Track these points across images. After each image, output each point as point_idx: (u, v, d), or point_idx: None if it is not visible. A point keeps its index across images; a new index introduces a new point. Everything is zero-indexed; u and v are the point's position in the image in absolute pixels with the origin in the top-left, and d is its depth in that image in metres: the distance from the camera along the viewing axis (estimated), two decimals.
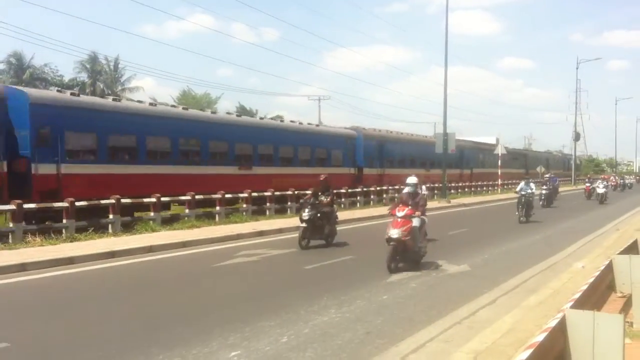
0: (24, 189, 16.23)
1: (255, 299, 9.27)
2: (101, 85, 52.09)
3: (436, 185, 35.64)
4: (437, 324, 7.73)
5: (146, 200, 18.24)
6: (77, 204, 15.86)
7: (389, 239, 11.34)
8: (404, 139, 39.51)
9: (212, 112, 27.82)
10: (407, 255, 11.64)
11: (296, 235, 14.92)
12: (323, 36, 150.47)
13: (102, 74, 54.57)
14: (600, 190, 35.79)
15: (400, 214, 11.71)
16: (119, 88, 52.63)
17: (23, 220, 14.76)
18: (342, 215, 17.28)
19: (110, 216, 16.90)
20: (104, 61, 54.02)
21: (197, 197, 19.77)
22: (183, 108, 25.14)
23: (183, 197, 19.54)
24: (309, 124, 32.62)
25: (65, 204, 15.62)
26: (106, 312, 8.51)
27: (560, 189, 41.66)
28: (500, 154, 44.23)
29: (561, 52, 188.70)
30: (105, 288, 10.33)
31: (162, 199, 18.54)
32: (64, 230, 15.49)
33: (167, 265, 12.82)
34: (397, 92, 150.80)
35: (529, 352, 3.93)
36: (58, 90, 19.72)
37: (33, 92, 18.53)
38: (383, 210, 21.92)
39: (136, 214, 18.92)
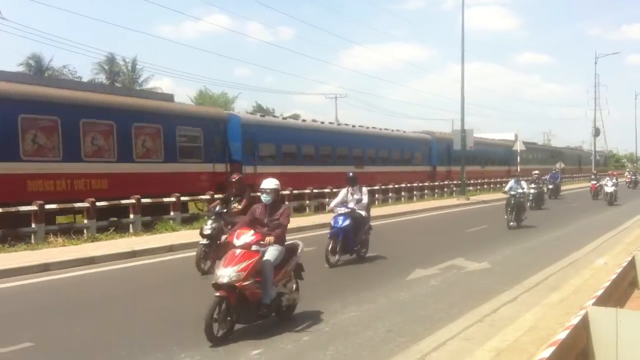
0: None
1: None
2: (119, 86, 52.42)
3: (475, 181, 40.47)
4: (458, 322, 7.71)
5: (166, 199, 18.35)
6: (97, 204, 16.00)
7: (215, 285, 7.04)
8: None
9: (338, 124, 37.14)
10: (248, 310, 7.15)
11: (315, 233, 14.82)
12: (339, 34, 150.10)
13: (120, 75, 54.97)
14: (609, 188, 30.47)
15: (239, 241, 7.31)
16: (137, 89, 52.94)
17: (44, 221, 14.94)
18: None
19: (131, 216, 17.04)
20: (121, 62, 54.44)
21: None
22: (321, 122, 32.57)
23: (203, 197, 19.63)
24: (392, 130, 37.64)
25: (86, 204, 15.76)
26: (128, 312, 8.59)
27: (575, 186, 41.02)
28: (519, 150, 43.86)
29: (579, 46, 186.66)
30: (126, 287, 10.42)
31: (182, 198, 18.65)
32: (85, 230, 15.64)
33: (187, 264, 12.87)
34: (414, 90, 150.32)
35: (551, 349, 3.92)
36: (251, 113, 31.54)
37: (242, 115, 26.42)
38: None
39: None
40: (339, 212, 12.51)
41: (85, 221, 15.87)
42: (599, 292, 5.89)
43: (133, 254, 13.16)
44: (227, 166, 22.37)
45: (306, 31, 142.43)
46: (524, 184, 20.46)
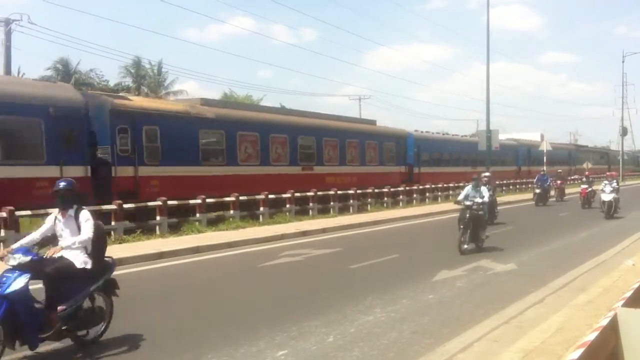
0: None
1: (300, 299, 9.35)
2: (145, 89, 52.94)
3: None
4: (485, 324, 7.66)
5: (192, 202, 18.50)
6: (125, 206, 16.18)
7: None
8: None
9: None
10: None
11: (339, 234, 14.83)
12: (363, 35, 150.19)
13: (146, 78, 55.50)
14: (607, 196, 22.73)
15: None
16: (163, 92, 53.38)
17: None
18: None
19: (158, 218, 17.21)
20: (147, 65, 54.95)
21: (241, 198, 19.98)
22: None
23: (228, 199, 19.76)
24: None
25: (113, 207, 15.95)
26: (155, 313, 8.68)
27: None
28: (545, 150, 43.47)
29: (605, 45, 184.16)
30: (153, 289, 10.54)
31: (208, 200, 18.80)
32: (112, 233, 15.82)
33: (214, 265, 13.01)
34: (438, 90, 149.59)
35: (580, 351, 3.88)
36: (415, 131, 36.16)
37: (414, 133, 34.83)
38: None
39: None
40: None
41: (113, 223, 16.01)
42: (628, 294, 5.80)
43: (160, 255, 13.28)
44: (406, 168, 32.62)
45: (330, 33, 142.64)
46: (485, 190, 15.20)
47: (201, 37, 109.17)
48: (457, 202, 15.07)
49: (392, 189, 28.61)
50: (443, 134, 41.88)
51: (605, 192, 22.86)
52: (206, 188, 19.41)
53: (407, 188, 30.34)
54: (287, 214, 21.80)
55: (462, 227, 13.75)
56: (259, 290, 10.27)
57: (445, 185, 33.77)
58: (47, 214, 7.33)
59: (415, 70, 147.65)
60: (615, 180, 24.11)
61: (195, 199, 18.44)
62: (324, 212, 23.87)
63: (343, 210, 24.77)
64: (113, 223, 16.00)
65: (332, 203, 24.53)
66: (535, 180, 32.02)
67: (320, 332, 7.34)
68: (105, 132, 17.56)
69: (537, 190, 30.61)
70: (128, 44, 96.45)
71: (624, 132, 67.05)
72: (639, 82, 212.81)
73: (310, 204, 23.37)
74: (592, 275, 10.87)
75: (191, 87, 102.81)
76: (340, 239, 17.02)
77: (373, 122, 32.87)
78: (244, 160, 22.15)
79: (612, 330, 4.53)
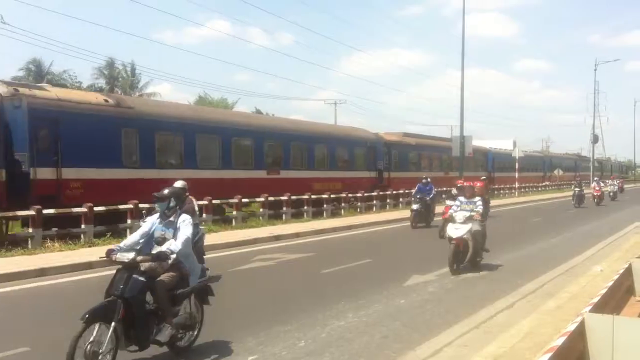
0: None
1: (271, 304, 9.29)
2: (119, 91, 52.46)
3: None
4: (455, 329, 7.69)
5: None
6: (95, 209, 15.93)
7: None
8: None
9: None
10: None
11: (312, 239, 14.84)
12: (339, 40, 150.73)
13: (119, 79, 55.01)
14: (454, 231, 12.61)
15: None
16: (136, 93, 52.94)
17: (41, 225, 14.85)
18: None
19: (128, 221, 17.00)
20: (120, 67, 54.48)
21: (214, 201, 19.81)
22: None
23: (200, 202, 19.57)
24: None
25: (84, 209, 15.71)
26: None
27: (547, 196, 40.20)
28: (517, 157, 44.04)
29: (579, 53, 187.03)
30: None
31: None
32: (82, 236, 15.57)
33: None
34: (413, 96, 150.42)
35: (548, 355, 3.91)
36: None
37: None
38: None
39: None
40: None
41: (83, 226, 15.77)
42: (596, 299, 5.87)
43: None
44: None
45: (307, 37, 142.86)
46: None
47: (178, 39, 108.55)
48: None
49: (365, 194, 28.60)
50: (416, 137, 39.27)
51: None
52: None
53: (381, 193, 30.35)
54: (260, 218, 21.71)
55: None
56: (230, 295, 10.16)
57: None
58: None
59: (391, 75, 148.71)
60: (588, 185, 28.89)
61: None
62: (297, 216, 23.82)
63: (317, 215, 24.75)
64: (83, 226, 15.76)
65: (305, 207, 24.50)
66: (414, 192, 22.49)
67: (291, 337, 7.30)
68: (381, 156, 18.61)
69: (415, 207, 21.56)
70: (102, 46, 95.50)
71: (595, 139, 68.06)
72: (610, 90, 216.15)
73: (284, 209, 23.30)
74: (561, 281, 11.00)
75: (165, 90, 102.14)
76: (313, 243, 16.99)
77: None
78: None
79: (579, 335, 4.58)
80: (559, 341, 4.30)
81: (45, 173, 15.74)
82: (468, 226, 11.86)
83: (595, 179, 41.14)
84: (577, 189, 34.32)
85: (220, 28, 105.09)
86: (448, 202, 17.28)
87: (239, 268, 12.51)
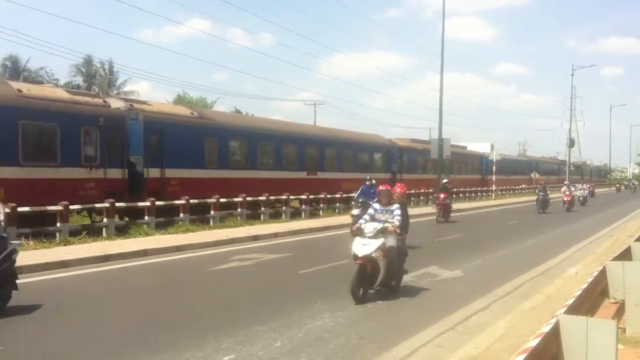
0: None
1: (249, 304, 9.26)
2: (96, 89, 51.95)
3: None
4: (431, 329, 7.72)
5: (140, 204, 18.20)
6: (71, 207, 15.78)
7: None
8: None
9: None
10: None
11: (290, 239, 14.80)
12: (320, 42, 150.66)
13: (96, 77, 54.48)
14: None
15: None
16: (114, 92, 52.46)
17: (16, 224, 14.67)
18: None
19: (105, 220, 16.86)
20: (98, 64, 53.97)
21: (192, 201, 19.74)
22: None
23: (177, 202, 19.49)
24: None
25: (59, 208, 15.53)
26: (98, 316, 8.47)
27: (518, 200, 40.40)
28: (494, 160, 44.46)
29: (556, 58, 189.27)
30: (98, 292, 10.29)
31: (157, 203, 18.51)
32: (57, 234, 15.40)
33: (161, 269, 12.80)
34: (393, 98, 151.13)
35: (522, 357, 3.93)
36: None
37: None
38: None
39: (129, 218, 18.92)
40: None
41: (58, 224, 15.60)
42: (570, 301, 5.93)
43: (106, 258, 13.00)
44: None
45: (287, 38, 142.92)
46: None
47: (157, 38, 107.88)
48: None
49: (344, 195, 28.64)
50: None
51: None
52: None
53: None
54: (238, 218, 21.64)
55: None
56: (207, 294, 10.14)
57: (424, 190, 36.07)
58: None
59: (371, 77, 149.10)
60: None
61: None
62: (275, 216, 23.77)
63: (295, 215, 24.73)
64: (58, 224, 15.59)
65: (284, 207, 24.47)
66: (355, 195, 19.05)
67: (268, 337, 7.27)
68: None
69: (355, 212, 16.89)
70: (80, 43, 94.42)
71: (572, 143, 68.94)
72: (587, 95, 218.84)
73: (262, 209, 23.25)
74: (537, 283, 11.11)
75: (143, 88, 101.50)
76: (291, 243, 16.97)
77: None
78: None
79: (554, 337, 4.61)
80: (534, 342, 4.33)
81: (154, 172, 19.62)
82: (379, 241, 9.39)
83: (566, 182, 38.48)
84: (540, 194, 32.09)
85: (201, 27, 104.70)
86: (354, 212, 16.40)
87: (216, 268, 12.45)
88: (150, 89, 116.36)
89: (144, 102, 21.53)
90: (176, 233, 17.70)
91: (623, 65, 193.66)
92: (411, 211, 18.46)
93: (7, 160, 15.21)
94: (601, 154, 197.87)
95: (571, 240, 18.21)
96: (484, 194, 45.79)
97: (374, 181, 17.85)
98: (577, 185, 43.50)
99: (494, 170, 45.03)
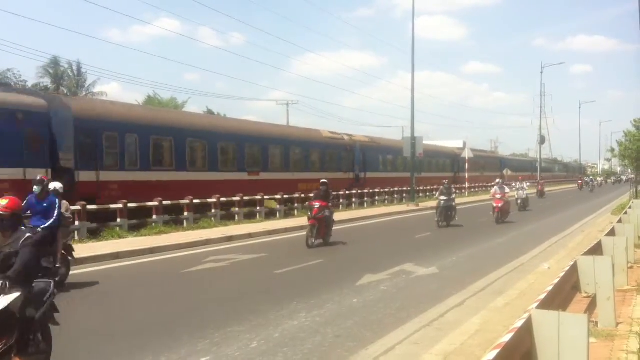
0: None
1: (224, 305, 9.22)
2: (65, 90, 51.23)
3: (404, 188, 36.26)
4: (407, 327, 7.78)
5: (112, 206, 18.02)
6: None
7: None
8: None
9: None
10: None
11: (265, 240, 14.80)
12: (291, 41, 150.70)
13: (64, 78, 53.72)
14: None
15: None
16: (83, 93, 51.79)
17: None
18: None
19: (77, 223, 16.64)
20: (65, 65, 53.22)
21: (164, 202, 19.59)
22: None
23: (150, 203, 19.32)
24: None
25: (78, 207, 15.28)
26: (68, 319, 8.36)
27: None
28: (467, 158, 44.83)
29: (525, 56, 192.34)
30: (69, 295, 10.14)
31: (130, 204, 18.32)
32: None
33: (134, 271, 12.68)
34: (365, 97, 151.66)
35: (495, 352, 3.97)
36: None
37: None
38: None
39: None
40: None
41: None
42: (543, 296, 5.99)
43: (78, 262, 12.82)
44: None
45: (257, 37, 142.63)
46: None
47: (124, 38, 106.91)
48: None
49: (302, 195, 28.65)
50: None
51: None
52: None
53: (335, 193, 30.47)
54: (213, 219, 21.52)
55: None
56: (181, 296, 10.07)
57: (391, 189, 36.40)
58: None
59: (343, 77, 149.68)
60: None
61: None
62: (250, 217, 23.69)
63: (270, 216, 24.68)
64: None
65: (258, 208, 24.40)
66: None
67: (244, 337, 7.26)
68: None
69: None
70: (46, 44, 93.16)
71: (542, 140, 69.84)
72: (556, 92, 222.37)
73: (237, 209, 23.16)
74: (510, 279, 11.24)
75: (113, 89, 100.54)
76: (266, 244, 16.93)
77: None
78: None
79: (526, 332, 4.66)
80: (507, 338, 4.37)
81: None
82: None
83: (497, 180, 25.64)
84: (442, 199, 22.35)
85: (170, 27, 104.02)
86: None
87: (191, 269, 12.37)
88: (121, 90, 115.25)
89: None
90: (149, 235, 17.56)
91: (591, 62, 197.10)
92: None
93: None
94: (572, 150, 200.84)
95: (542, 236, 18.42)
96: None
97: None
98: (514, 184, 35.81)
99: (466, 167, 45.42)
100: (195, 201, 20.88)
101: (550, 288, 6.52)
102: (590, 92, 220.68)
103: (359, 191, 32.89)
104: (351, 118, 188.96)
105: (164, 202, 19.51)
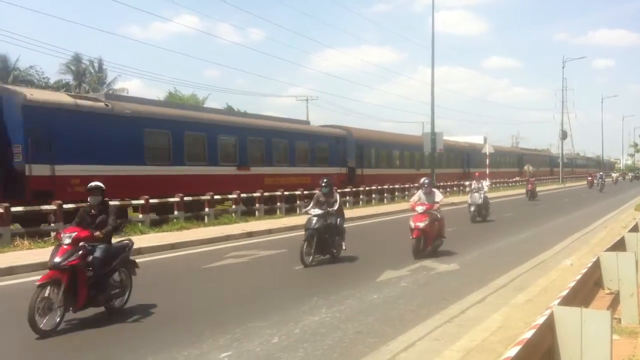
0: None
1: (245, 300, 9.27)
2: (86, 87, 51.75)
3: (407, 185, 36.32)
4: (427, 323, 7.76)
5: (134, 202, 18.19)
6: (65, 206, 15.74)
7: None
8: None
9: None
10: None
11: (285, 235, 14.84)
12: (310, 37, 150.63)
13: (86, 75, 54.29)
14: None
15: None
16: (105, 89, 52.26)
17: (10, 223, 14.70)
18: None
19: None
20: (87, 62, 53.77)
21: (185, 198, 19.73)
22: None
23: (172, 199, 19.48)
24: None
25: (53, 207, 15.51)
26: (91, 313, 8.46)
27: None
28: (488, 153, 44.53)
29: (546, 51, 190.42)
30: None
31: (151, 200, 18.48)
32: (52, 234, 15.35)
33: (157, 267, 12.78)
34: (384, 92, 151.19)
35: (517, 348, 3.96)
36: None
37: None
38: None
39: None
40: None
41: (52, 224, 15.58)
42: (565, 292, 5.96)
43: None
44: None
45: (277, 33, 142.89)
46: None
47: (145, 35, 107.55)
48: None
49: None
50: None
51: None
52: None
53: (354, 189, 30.47)
54: (233, 214, 21.63)
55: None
56: (203, 291, 10.14)
57: (391, 186, 34.30)
58: None
59: (362, 72, 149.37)
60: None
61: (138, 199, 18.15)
62: (270, 213, 23.78)
63: (290, 212, 24.75)
64: (52, 224, 15.58)
65: (278, 204, 24.49)
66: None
67: (265, 333, 7.29)
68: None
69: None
70: (68, 41, 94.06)
71: (564, 135, 69.09)
72: (578, 87, 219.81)
73: (257, 205, 23.26)
74: (532, 275, 11.15)
75: (135, 86, 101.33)
76: (286, 239, 16.96)
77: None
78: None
79: (548, 328, 4.64)
80: (528, 334, 4.35)
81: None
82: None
83: (424, 180, 14.47)
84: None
85: (189, 23, 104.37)
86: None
87: (212, 265, 12.45)
88: (142, 87, 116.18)
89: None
90: (171, 231, 17.70)
91: (614, 56, 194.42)
92: None
93: None
94: (594, 145, 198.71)
95: (564, 232, 18.25)
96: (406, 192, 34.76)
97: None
98: (471, 183, 25.72)
99: (487, 163, 45.11)
100: (187, 198, 20.98)
101: (572, 284, 6.48)
102: (612, 87, 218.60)
103: (370, 188, 32.16)
104: (371, 114, 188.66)
105: (185, 198, 19.64)
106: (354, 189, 30.59)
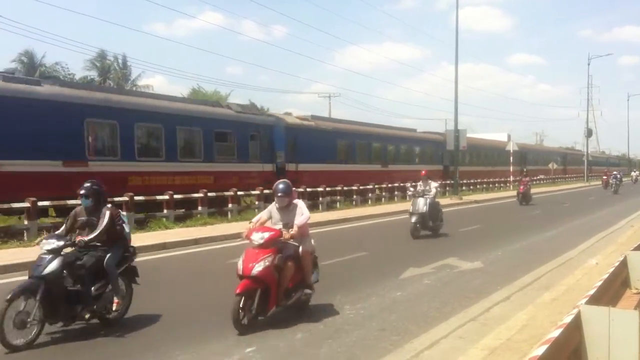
0: None
1: None
2: (111, 83, 52.25)
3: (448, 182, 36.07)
4: (451, 321, 7.73)
5: (159, 197, 18.35)
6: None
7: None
8: None
9: None
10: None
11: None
12: (333, 33, 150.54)
13: (110, 71, 54.78)
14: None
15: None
16: (129, 86, 52.70)
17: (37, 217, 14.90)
18: None
19: (124, 213, 16.96)
20: (111, 58, 54.24)
21: (209, 194, 19.87)
22: None
23: (195, 195, 19.61)
24: None
25: (26, 204, 15.49)
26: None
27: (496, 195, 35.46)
28: (511, 151, 44.21)
29: (571, 48, 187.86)
30: None
31: (176, 196, 18.63)
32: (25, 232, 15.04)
33: (181, 262, 12.89)
34: (407, 89, 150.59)
35: (544, 347, 3.94)
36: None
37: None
38: None
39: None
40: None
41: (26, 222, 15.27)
42: (592, 292, 5.91)
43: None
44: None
45: (300, 30, 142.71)
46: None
47: (169, 31, 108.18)
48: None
49: (361, 187, 28.69)
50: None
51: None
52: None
53: (377, 185, 30.47)
54: (256, 210, 21.70)
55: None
56: (227, 287, 10.13)
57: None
58: None
59: (385, 69, 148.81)
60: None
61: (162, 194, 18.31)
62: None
63: (312, 208, 24.79)
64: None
65: (320, 199, 24.88)
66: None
67: (289, 329, 7.32)
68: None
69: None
70: (95, 38, 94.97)
71: (589, 133, 68.28)
72: (604, 84, 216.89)
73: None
74: (557, 274, 11.04)
75: (159, 82, 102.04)
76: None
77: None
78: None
79: (575, 327, 4.62)
80: (556, 333, 4.33)
81: None
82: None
83: (280, 184, 8.69)
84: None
85: (212, 20, 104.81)
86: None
87: (235, 260, 12.47)
88: (166, 83, 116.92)
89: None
90: (195, 226, 17.83)
91: None
92: None
93: None
94: (620, 143, 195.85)
95: (590, 230, 18.05)
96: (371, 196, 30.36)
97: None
98: (412, 184, 23.44)
99: (511, 161, 44.76)
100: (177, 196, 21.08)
101: (599, 283, 6.42)
102: (639, 84, 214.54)
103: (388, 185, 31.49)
104: (393, 110, 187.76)
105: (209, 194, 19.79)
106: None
